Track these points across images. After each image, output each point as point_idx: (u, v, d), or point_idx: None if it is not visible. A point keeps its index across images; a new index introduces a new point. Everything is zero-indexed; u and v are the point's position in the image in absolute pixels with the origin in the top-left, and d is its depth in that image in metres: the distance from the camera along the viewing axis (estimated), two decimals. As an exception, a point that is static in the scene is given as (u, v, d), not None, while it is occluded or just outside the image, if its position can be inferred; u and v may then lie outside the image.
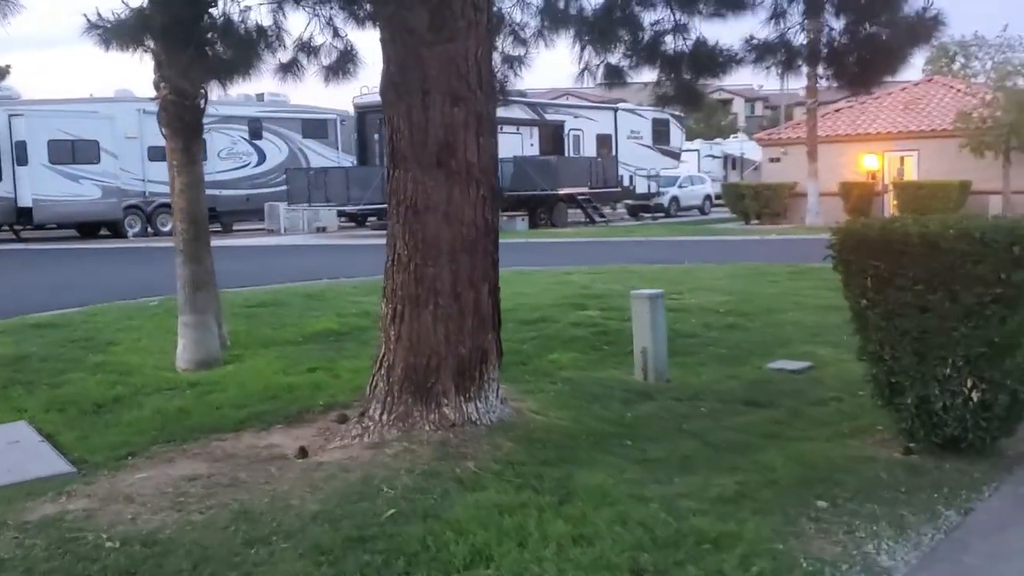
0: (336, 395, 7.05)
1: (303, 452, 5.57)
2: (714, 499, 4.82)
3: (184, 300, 8.68)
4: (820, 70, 8.29)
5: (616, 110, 36.49)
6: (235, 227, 32.87)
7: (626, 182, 35.98)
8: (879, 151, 31.36)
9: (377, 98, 26.20)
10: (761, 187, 33.08)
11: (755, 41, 8.46)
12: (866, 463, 5.50)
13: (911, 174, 30.70)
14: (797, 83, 26.95)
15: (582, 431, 6.03)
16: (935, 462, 5.49)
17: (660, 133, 37.70)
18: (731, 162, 53.18)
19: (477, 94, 5.47)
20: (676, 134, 39.24)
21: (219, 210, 31.62)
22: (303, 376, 7.81)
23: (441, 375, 5.57)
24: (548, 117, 33.33)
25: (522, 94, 32.59)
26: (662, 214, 38.36)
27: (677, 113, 41.63)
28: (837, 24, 7.90)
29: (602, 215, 35.05)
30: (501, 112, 28.52)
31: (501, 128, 32.06)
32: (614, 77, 7.86)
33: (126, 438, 6.12)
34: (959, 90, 31.54)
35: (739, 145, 54.83)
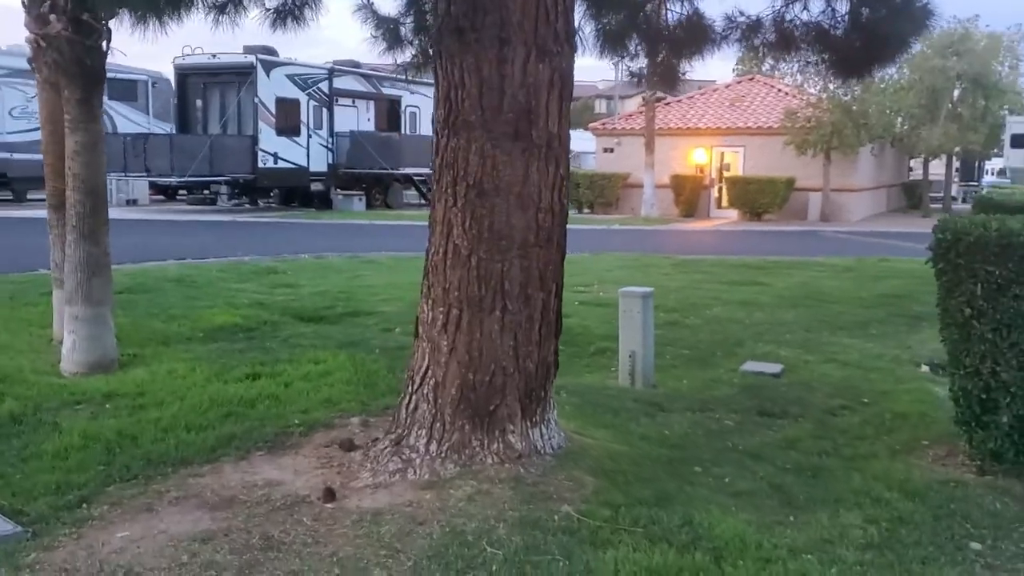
0: (309, 411, 5.76)
1: (330, 494, 4.33)
2: (864, 546, 4.12)
3: (75, 287, 7.03)
4: (813, 55, 7.73)
5: (453, 90, 35.22)
6: (30, 196, 28.90)
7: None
8: (707, 146, 32.12)
9: (203, 59, 23.59)
10: (596, 176, 33.13)
11: (741, 19, 7.83)
12: (961, 488, 4.99)
13: (737, 169, 31.63)
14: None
15: (640, 456, 5.14)
16: (1024, 485, 5.07)
17: (494, 116, 36.82)
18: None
19: (564, 48, 4.41)
20: (509, 118, 38.48)
21: (11, 176, 27.97)
22: (246, 385, 6.42)
23: (507, 395, 4.49)
24: (385, 91, 31.60)
25: (356, 64, 30.58)
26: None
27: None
28: (839, 7, 7.37)
29: (437, 198, 33.87)
30: (337, 83, 26.49)
31: (336, 100, 30.27)
32: (615, 43, 6.93)
33: (63, 476, 4.62)
34: (780, 89, 32.89)
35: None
